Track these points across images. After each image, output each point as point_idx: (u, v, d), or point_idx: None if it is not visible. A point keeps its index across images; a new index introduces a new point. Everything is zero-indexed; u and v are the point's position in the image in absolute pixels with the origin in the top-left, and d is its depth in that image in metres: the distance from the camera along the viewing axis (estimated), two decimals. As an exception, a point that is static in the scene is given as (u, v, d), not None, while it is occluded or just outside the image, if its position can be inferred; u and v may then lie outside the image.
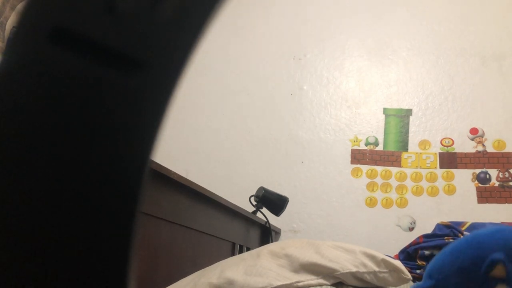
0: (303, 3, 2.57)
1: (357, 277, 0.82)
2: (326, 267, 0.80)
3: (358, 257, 0.84)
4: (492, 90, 2.30)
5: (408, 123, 2.31)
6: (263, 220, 1.71)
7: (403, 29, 2.46)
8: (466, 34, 2.40)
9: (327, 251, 0.84)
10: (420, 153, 2.25)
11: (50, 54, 0.16)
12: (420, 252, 1.81)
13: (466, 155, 2.22)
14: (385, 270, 0.84)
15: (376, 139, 2.30)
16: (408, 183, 2.21)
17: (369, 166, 2.26)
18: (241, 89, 2.45)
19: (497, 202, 2.12)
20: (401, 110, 2.34)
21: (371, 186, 2.22)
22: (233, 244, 1.44)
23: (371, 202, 2.20)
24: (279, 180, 2.25)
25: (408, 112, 2.33)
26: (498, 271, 0.83)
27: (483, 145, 2.22)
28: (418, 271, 1.76)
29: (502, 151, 2.20)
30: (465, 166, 2.20)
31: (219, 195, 1.15)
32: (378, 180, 2.23)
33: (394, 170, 2.24)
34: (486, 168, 2.18)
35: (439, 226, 1.92)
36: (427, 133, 2.28)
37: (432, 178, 2.20)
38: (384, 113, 2.35)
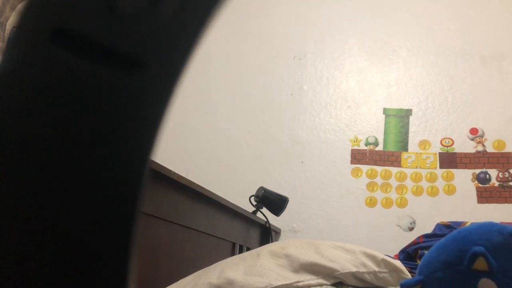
0: (303, 3, 2.57)
1: (357, 277, 0.82)
2: (326, 267, 0.80)
3: (358, 257, 0.84)
4: (492, 90, 2.30)
5: (408, 123, 2.31)
6: (263, 220, 1.71)
7: (403, 29, 2.46)
8: (466, 34, 2.40)
9: (327, 251, 0.84)
10: (420, 153, 2.25)
11: (50, 54, 0.16)
12: (420, 252, 1.81)
13: (466, 155, 2.22)
14: (385, 270, 0.84)
15: (376, 139, 2.30)
16: (408, 183, 2.21)
17: (369, 166, 2.26)
18: (241, 89, 2.45)
19: (497, 202, 2.12)
20: (401, 110, 2.34)
21: (371, 186, 2.22)
22: (233, 244, 1.44)
23: (371, 202, 2.20)
24: (279, 180, 2.25)
25: (408, 112, 2.33)
26: (480, 264, 0.85)
27: (483, 145, 2.22)
28: (418, 271, 1.76)
29: (502, 151, 2.20)
30: (465, 166, 2.20)
31: (219, 195, 1.15)
32: (378, 180, 2.23)
33: (394, 170, 2.24)
34: (486, 168, 2.18)
35: (439, 226, 1.92)
36: (427, 133, 2.28)
37: (432, 178, 2.20)
38: (384, 113, 2.35)
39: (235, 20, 2.50)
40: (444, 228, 1.87)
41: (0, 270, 0.16)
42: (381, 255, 0.86)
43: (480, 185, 2.16)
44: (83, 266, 0.16)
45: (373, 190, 2.22)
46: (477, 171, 2.18)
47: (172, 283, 0.84)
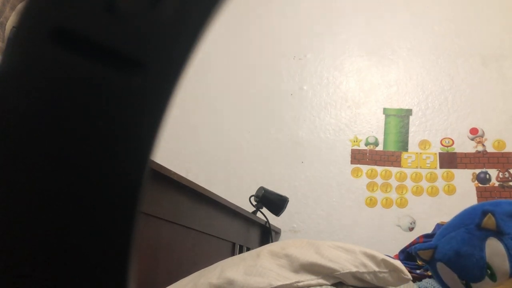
0: (303, 3, 2.57)
1: (357, 277, 0.82)
2: (326, 267, 0.80)
3: (358, 257, 0.84)
4: (492, 90, 2.30)
5: (408, 123, 2.31)
6: (263, 220, 1.71)
7: (403, 29, 2.46)
8: (466, 34, 2.40)
9: (327, 251, 0.84)
10: (420, 153, 2.25)
11: (50, 54, 0.16)
12: (420, 252, 1.81)
13: (466, 155, 2.22)
14: (385, 270, 0.84)
15: (376, 139, 2.30)
16: (408, 183, 2.21)
17: (369, 166, 2.26)
18: (241, 89, 2.45)
19: (497, 202, 2.12)
20: (401, 110, 2.34)
21: (371, 186, 2.22)
22: (233, 244, 1.44)
23: (371, 202, 2.20)
24: (279, 180, 2.25)
25: (408, 112, 2.33)
26: (489, 222, 0.93)
27: (483, 145, 2.22)
28: (418, 271, 1.76)
29: (502, 151, 2.20)
30: (465, 166, 2.20)
31: (219, 195, 1.15)
32: (378, 180, 2.23)
33: (394, 170, 2.24)
34: (486, 168, 2.18)
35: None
36: (427, 133, 2.28)
37: (432, 178, 2.20)
38: (384, 113, 2.35)
39: (235, 20, 2.50)
40: (444, 228, 1.87)
41: (0, 270, 0.16)
42: (381, 255, 0.86)
43: (480, 185, 2.16)
44: (83, 266, 0.16)
45: (373, 190, 2.22)
46: (477, 171, 2.18)
47: (172, 283, 0.84)
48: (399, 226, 2.15)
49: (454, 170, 2.20)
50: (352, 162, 2.27)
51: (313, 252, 0.83)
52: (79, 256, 0.16)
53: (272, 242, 1.46)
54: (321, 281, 0.79)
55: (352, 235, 2.14)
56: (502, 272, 0.93)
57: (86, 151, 0.16)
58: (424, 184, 2.20)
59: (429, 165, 2.23)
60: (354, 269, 0.81)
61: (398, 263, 0.86)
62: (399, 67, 2.42)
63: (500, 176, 2.16)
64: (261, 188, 1.74)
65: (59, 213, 0.16)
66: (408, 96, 2.36)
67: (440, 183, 2.19)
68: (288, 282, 0.76)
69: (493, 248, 0.95)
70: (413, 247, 1.07)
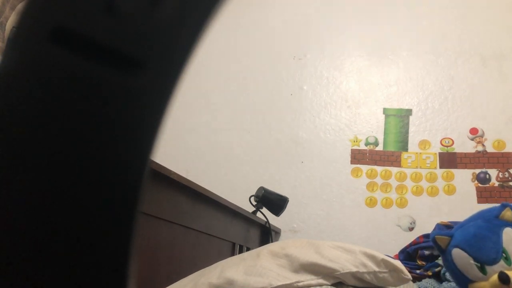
0: (303, 3, 2.57)
1: (357, 277, 0.82)
2: (326, 267, 0.80)
3: (358, 257, 0.84)
4: (492, 90, 2.30)
5: (408, 123, 2.31)
6: (263, 220, 1.71)
7: (403, 29, 2.46)
8: (466, 34, 2.40)
9: (327, 251, 0.84)
10: (420, 153, 2.25)
11: (50, 54, 0.16)
12: (420, 252, 1.81)
13: (466, 155, 2.22)
14: (385, 270, 0.84)
15: (376, 139, 2.30)
16: (408, 183, 2.21)
17: (369, 166, 2.25)
18: (241, 89, 2.45)
19: (497, 202, 2.11)
20: (401, 110, 2.34)
21: (371, 186, 2.22)
22: (233, 244, 1.44)
23: (371, 202, 2.20)
24: (279, 180, 2.25)
25: (408, 112, 2.33)
26: (508, 213, 1.00)
27: (483, 145, 2.22)
28: (418, 271, 1.76)
29: (502, 151, 2.20)
30: (465, 166, 2.20)
31: (219, 195, 1.15)
32: (378, 180, 2.23)
33: (394, 170, 2.24)
34: (486, 168, 2.18)
35: (439, 226, 1.92)
36: (427, 133, 2.28)
37: (432, 178, 2.20)
38: (384, 113, 2.35)
39: (235, 20, 2.50)
40: (444, 228, 1.87)
41: (1, 271, 0.16)
42: (381, 255, 0.86)
43: (480, 185, 2.16)
44: (83, 267, 0.16)
45: (373, 190, 2.22)
46: (477, 171, 2.18)
47: (172, 283, 0.84)
48: (399, 226, 2.15)
49: (454, 170, 2.20)
50: (352, 162, 2.27)
51: (313, 252, 0.83)
52: (79, 256, 0.16)
53: (272, 242, 1.46)
54: (321, 281, 0.79)
55: (352, 235, 2.14)
56: None
57: (86, 151, 0.16)
58: (424, 184, 2.20)
59: (429, 165, 2.23)
60: (354, 269, 0.81)
61: (398, 263, 0.86)
62: (399, 67, 2.42)
63: (500, 176, 2.16)
64: (261, 188, 1.74)
65: (59, 213, 0.16)
66: (408, 96, 2.36)
67: (440, 183, 2.19)
68: (288, 282, 0.76)
69: (510, 236, 1.01)
70: (432, 233, 1.16)
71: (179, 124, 2.34)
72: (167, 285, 0.83)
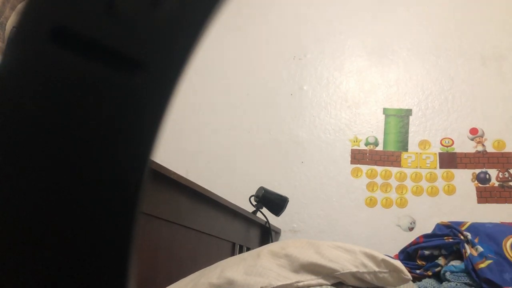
0: (303, 3, 2.57)
1: (357, 277, 0.82)
2: (326, 267, 0.80)
3: (358, 257, 0.84)
4: (492, 90, 2.30)
5: (408, 123, 2.31)
6: (263, 220, 1.71)
7: (403, 29, 2.46)
8: (466, 34, 2.40)
9: (327, 251, 0.84)
10: (420, 153, 2.25)
11: (50, 54, 0.16)
12: (420, 252, 1.81)
13: (466, 155, 2.22)
14: (385, 270, 0.84)
15: (376, 139, 2.30)
16: (408, 183, 2.21)
17: (369, 166, 2.25)
18: (241, 89, 2.45)
19: (497, 202, 2.12)
20: (401, 110, 2.34)
21: (371, 186, 2.22)
22: (233, 244, 1.44)
23: (371, 202, 2.20)
24: (279, 180, 2.25)
25: (408, 112, 2.33)
26: None
27: (483, 145, 2.22)
28: (418, 271, 1.76)
29: (502, 151, 2.20)
30: (465, 166, 2.20)
31: (219, 195, 1.15)
32: (378, 180, 2.23)
33: (394, 170, 2.24)
34: (486, 168, 2.18)
35: (439, 226, 1.92)
36: (427, 133, 2.28)
37: (432, 178, 2.20)
38: (384, 113, 2.35)
39: (235, 20, 2.50)
40: (444, 228, 1.87)
41: (1, 271, 0.16)
42: (381, 255, 0.86)
43: (480, 185, 2.16)
44: (84, 267, 0.16)
45: (373, 190, 2.22)
46: (477, 171, 2.18)
47: (172, 283, 0.84)
48: (399, 226, 2.15)
49: (454, 170, 2.20)
50: (352, 162, 2.27)
51: (313, 252, 0.83)
52: (79, 256, 0.16)
53: (272, 242, 1.46)
54: (321, 281, 0.79)
55: (352, 235, 2.14)
56: None
57: (86, 151, 0.16)
58: (424, 184, 2.20)
59: (429, 165, 2.23)
60: (354, 269, 0.81)
61: (398, 263, 0.86)
62: (399, 67, 2.42)
63: (500, 176, 2.16)
64: (261, 188, 1.74)
65: (59, 213, 0.16)
66: (408, 96, 2.36)
67: (440, 183, 2.19)
68: (288, 282, 0.76)
69: None
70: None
71: (179, 124, 2.34)
72: (167, 285, 0.83)
